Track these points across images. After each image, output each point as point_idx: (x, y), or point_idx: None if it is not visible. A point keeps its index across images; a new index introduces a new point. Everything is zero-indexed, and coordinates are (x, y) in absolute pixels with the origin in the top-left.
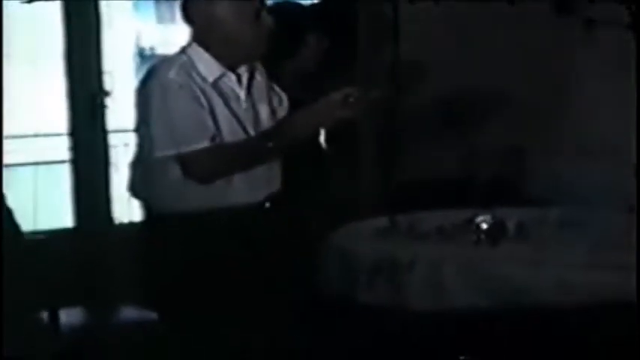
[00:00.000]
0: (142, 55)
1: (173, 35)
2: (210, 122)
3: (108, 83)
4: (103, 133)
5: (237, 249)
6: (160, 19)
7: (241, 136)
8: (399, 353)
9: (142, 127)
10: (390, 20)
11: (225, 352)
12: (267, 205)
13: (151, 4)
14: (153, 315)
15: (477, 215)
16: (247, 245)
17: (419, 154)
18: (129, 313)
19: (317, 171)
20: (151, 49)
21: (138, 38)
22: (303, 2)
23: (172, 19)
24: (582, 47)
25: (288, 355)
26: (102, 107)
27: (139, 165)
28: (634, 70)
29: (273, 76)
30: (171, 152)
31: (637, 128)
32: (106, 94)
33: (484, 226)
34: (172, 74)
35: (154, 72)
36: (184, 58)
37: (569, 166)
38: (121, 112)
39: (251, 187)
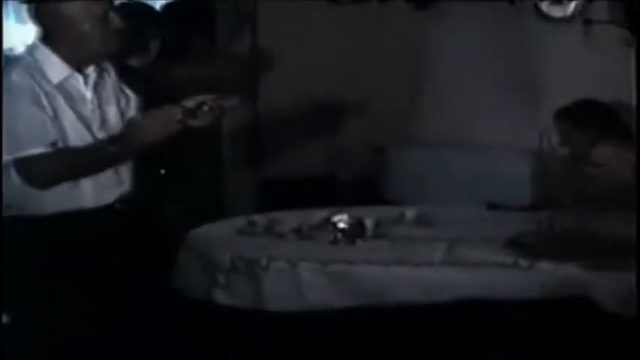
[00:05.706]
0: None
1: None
2: (49, 127)
3: None
4: None
5: (89, 252)
6: (20, 19)
7: (88, 138)
8: (257, 354)
9: None
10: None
11: (79, 353)
12: (118, 206)
13: (10, 4)
14: (4, 318)
15: (334, 214)
16: (99, 248)
17: (279, 154)
18: None
19: (172, 171)
20: (11, 49)
21: None
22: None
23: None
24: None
25: (146, 356)
26: None
27: None
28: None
29: (122, 77)
30: (9, 157)
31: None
32: None
33: (342, 225)
34: (14, 76)
35: None
36: (30, 59)
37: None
38: None
39: (100, 190)
